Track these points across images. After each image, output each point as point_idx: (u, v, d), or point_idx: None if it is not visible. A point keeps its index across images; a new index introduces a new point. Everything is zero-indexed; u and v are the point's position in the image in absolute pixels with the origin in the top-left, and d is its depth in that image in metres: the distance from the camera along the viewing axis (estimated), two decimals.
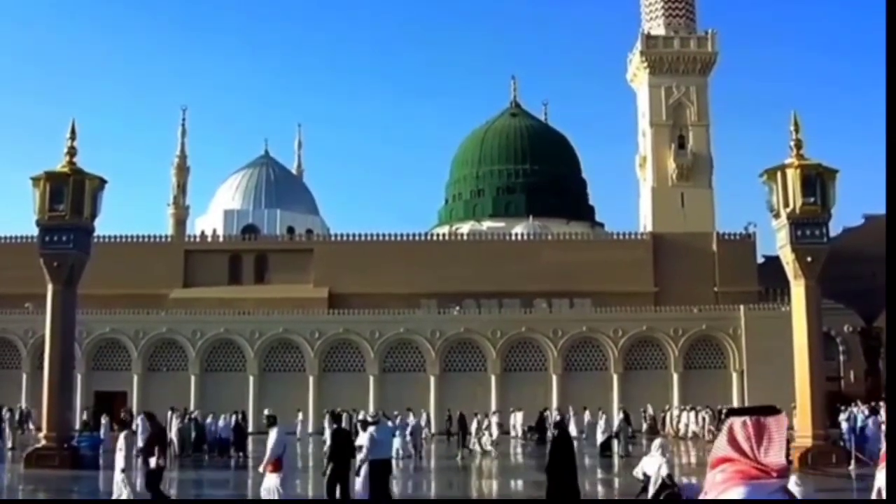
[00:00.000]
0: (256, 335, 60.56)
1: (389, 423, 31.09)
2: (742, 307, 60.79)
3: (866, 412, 39.68)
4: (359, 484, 18.54)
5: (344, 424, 33.55)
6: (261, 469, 17.12)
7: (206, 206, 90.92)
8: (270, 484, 16.83)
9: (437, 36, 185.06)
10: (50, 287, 30.80)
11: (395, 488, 26.91)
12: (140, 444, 38.46)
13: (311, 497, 24.30)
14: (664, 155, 76.40)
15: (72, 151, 31.60)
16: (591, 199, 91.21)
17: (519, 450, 43.86)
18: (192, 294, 67.35)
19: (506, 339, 60.67)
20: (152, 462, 18.17)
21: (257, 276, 71.47)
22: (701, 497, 3.49)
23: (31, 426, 47.69)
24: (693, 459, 37.63)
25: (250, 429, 45.48)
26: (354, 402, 49.07)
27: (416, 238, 73.77)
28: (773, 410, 3.46)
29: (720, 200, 76.58)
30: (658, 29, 79.29)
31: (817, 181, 31.22)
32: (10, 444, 38.18)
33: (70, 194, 30.74)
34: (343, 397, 53.95)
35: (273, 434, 17.28)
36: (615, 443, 38.01)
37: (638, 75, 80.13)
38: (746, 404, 54.67)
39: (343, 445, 18.16)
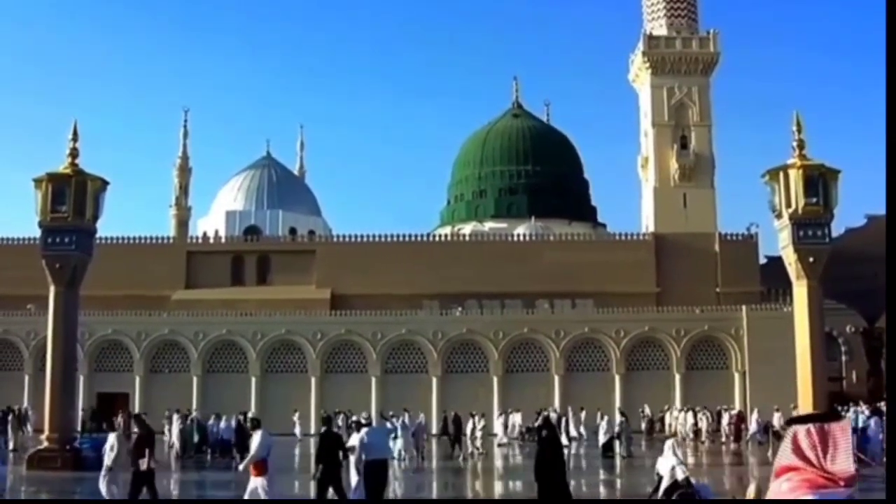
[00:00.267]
0: (258, 336, 60.57)
1: (388, 425, 31.14)
2: (744, 308, 60.75)
3: (867, 412, 39.61)
4: (354, 484, 18.61)
5: (340, 425, 33.65)
6: (241, 468, 17.18)
7: (208, 207, 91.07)
8: (255, 485, 16.91)
9: (438, 36, 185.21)
10: (52, 288, 30.80)
11: (399, 489, 26.97)
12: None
13: (303, 497, 24.36)
14: (666, 155, 76.40)
15: (74, 152, 31.58)
16: (593, 200, 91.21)
17: (517, 451, 43.76)
18: (195, 295, 67.39)
19: (508, 340, 60.67)
20: (143, 464, 18.17)
21: (259, 277, 71.51)
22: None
23: (29, 427, 47.63)
24: (691, 459, 37.62)
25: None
26: (356, 404, 49.05)
27: (419, 239, 73.79)
28: (836, 416, 3.36)
29: (722, 201, 76.58)
30: (660, 29, 79.29)
31: (819, 181, 31.15)
32: (11, 446, 38.18)
33: (72, 195, 30.72)
34: (345, 398, 53.97)
35: (257, 436, 17.32)
36: (617, 443, 37.93)
37: (640, 75, 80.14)
38: (748, 405, 54.92)
39: (332, 447, 18.19)
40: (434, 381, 59.98)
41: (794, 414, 33.91)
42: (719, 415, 51.73)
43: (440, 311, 63.37)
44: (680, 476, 17.03)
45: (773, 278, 52.77)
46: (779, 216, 31.80)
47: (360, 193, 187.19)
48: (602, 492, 28.18)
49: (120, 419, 41.65)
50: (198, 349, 60.42)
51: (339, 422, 36.25)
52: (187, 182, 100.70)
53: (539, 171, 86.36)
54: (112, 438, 19.63)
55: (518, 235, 75.06)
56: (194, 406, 52.08)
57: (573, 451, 42.25)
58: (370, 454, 18.08)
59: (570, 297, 65.86)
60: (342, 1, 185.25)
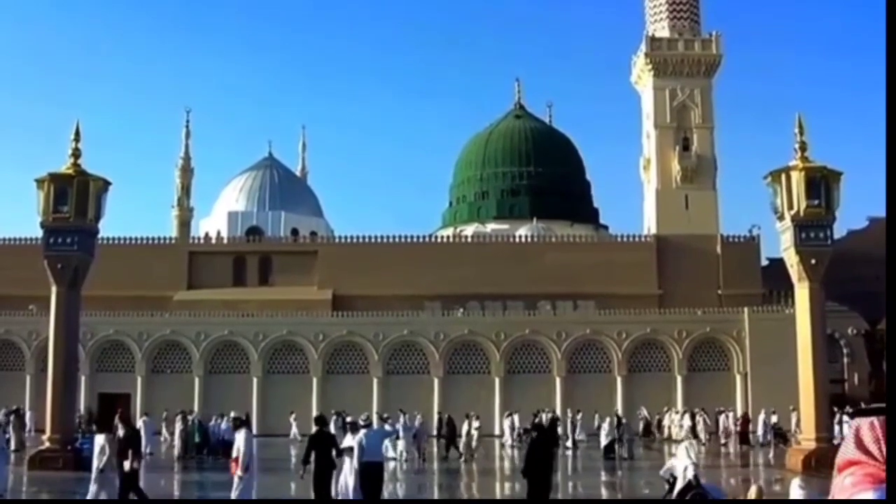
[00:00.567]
0: (260, 337, 60.57)
1: (388, 427, 31.10)
2: (746, 309, 60.69)
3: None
4: (353, 485, 18.64)
5: (336, 425, 33.55)
6: (240, 473, 17.20)
7: (210, 207, 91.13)
8: (237, 481, 16.99)
9: (440, 37, 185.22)
10: (54, 289, 30.82)
11: (399, 490, 26.97)
12: (144, 445, 38.75)
13: (295, 497, 24.39)
14: (668, 157, 76.42)
15: (76, 153, 31.61)
16: (595, 202, 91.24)
17: (513, 453, 43.72)
18: (196, 296, 67.39)
19: (509, 342, 60.63)
20: (126, 465, 18.21)
21: (261, 278, 71.50)
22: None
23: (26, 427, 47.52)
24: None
25: (254, 431, 45.50)
26: (358, 405, 48.93)
27: (420, 240, 73.80)
28: None
29: (724, 203, 76.61)
30: (662, 31, 79.31)
31: (822, 183, 31.20)
32: (13, 447, 38.16)
33: (74, 196, 30.76)
34: (347, 399, 53.87)
35: (241, 436, 17.33)
36: (617, 446, 37.92)
37: (642, 77, 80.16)
38: (750, 407, 54.90)
39: (325, 447, 18.25)
40: (436, 382, 59.95)
41: (792, 416, 33.94)
42: (717, 416, 51.66)
43: (442, 312, 63.36)
44: (690, 474, 17.10)
45: (775, 280, 52.69)
46: (781, 218, 31.84)
47: (362, 194, 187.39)
48: (604, 493, 28.19)
49: (116, 420, 41.62)
50: (199, 350, 60.42)
51: (331, 423, 36.21)
52: (189, 183, 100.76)
53: (541, 173, 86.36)
54: (102, 440, 19.55)
55: (520, 237, 75.04)
56: (196, 407, 52.09)
57: (571, 454, 42.27)
58: (365, 456, 18.14)
59: (572, 299, 65.82)
60: (344, 2, 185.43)
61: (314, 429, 19.08)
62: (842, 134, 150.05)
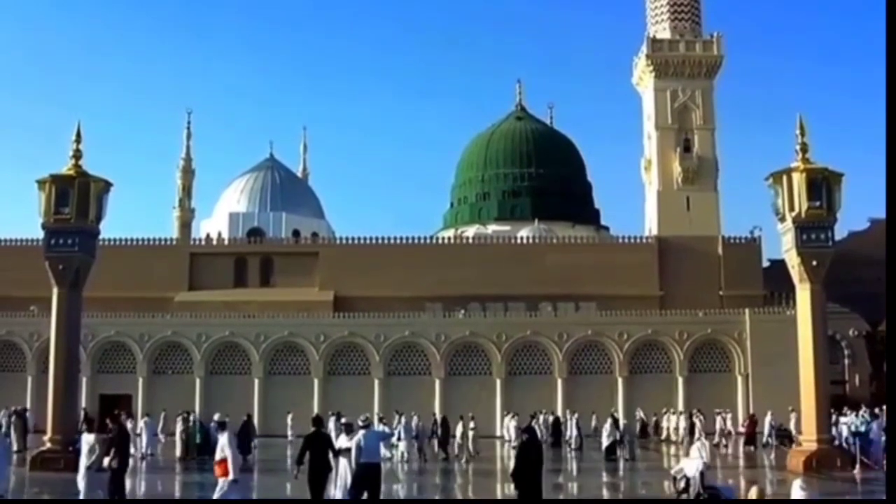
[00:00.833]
0: (261, 338, 60.58)
1: (386, 429, 31.15)
2: (747, 311, 60.68)
3: (868, 416, 39.57)
4: (346, 485, 18.69)
5: (331, 426, 33.56)
6: (232, 476, 17.23)
7: (211, 209, 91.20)
8: (221, 485, 16.99)
9: (442, 39, 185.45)
10: (55, 290, 30.82)
11: (402, 490, 26.96)
12: (145, 446, 38.77)
13: (288, 497, 24.39)
14: (670, 158, 76.52)
15: (77, 154, 31.63)
16: (596, 203, 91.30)
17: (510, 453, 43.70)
18: (198, 297, 67.41)
19: (511, 343, 60.62)
20: (105, 462, 18.30)
21: (262, 279, 71.52)
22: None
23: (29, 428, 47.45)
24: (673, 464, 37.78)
25: (256, 432, 45.66)
26: (359, 406, 48.89)
27: (422, 241, 73.83)
28: None
29: (725, 204, 76.78)
30: (664, 32, 79.39)
31: (823, 185, 31.18)
32: (15, 447, 38.15)
33: (75, 197, 30.77)
34: (348, 401, 53.86)
35: (223, 438, 17.34)
36: (619, 446, 37.89)
37: (643, 78, 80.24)
38: (751, 409, 54.82)
39: (322, 448, 18.29)
40: (437, 383, 59.92)
41: (791, 417, 33.83)
42: (716, 418, 51.58)
43: (443, 313, 63.38)
44: (703, 472, 17.22)
45: (776, 281, 52.71)
46: (782, 219, 31.83)
47: (363, 195, 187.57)
48: (605, 494, 28.17)
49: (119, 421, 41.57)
50: (201, 351, 60.43)
51: (331, 423, 36.18)
52: (190, 184, 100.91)
53: (542, 174, 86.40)
54: (92, 439, 19.54)
55: (521, 238, 75.03)
56: (197, 408, 52.10)
57: (574, 455, 42.29)
58: (363, 457, 18.21)
59: (574, 300, 65.83)
60: (344, 2, 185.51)
61: (312, 429, 19.10)
62: (843, 135, 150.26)
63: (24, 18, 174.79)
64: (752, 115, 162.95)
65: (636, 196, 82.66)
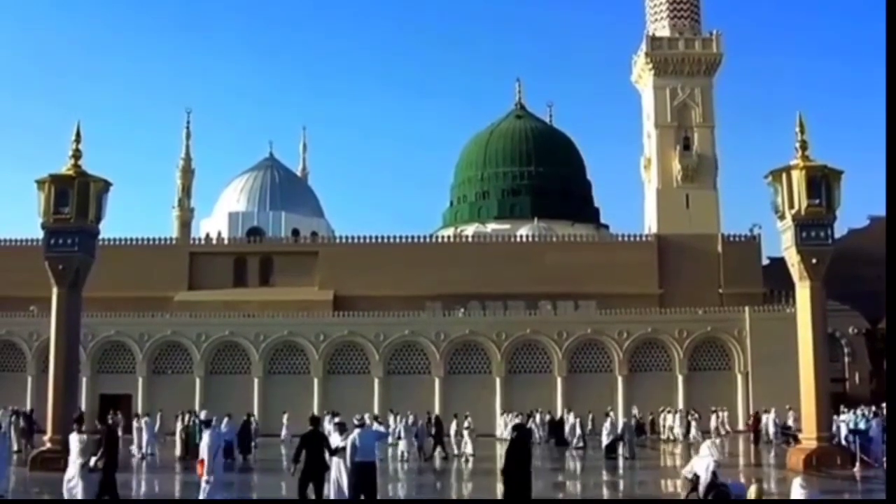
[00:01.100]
0: (261, 338, 60.60)
1: (382, 428, 31.07)
2: (747, 309, 60.72)
3: (869, 415, 39.56)
4: (344, 484, 18.71)
5: (327, 426, 33.52)
6: (205, 476, 17.23)
7: (210, 208, 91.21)
8: (204, 486, 16.97)
9: (441, 38, 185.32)
10: (55, 290, 30.81)
11: (401, 490, 26.97)
12: (146, 445, 38.78)
13: (284, 496, 24.38)
14: (669, 156, 76.52)
15: (76, 154, 31.60)
16: (596, 201, 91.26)
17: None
18: (197, 297, 67.39)
19: (510, 342, 60.64)
20: (92, 461, 18.29)
21: (262, 278, 71.50)
22: None
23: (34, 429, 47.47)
24: (674, 462, 37.84)
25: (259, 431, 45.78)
26: (359, 405, 48.99)
27: (421, 240, 73.80)
28: None
29: (725, 202, 76.74)
30: (663, 30, 79.36)
31: (822, 182, 31.14)
32: (15, 447, 38.15)
33: (75, 197, 30.75)
34: (348, 400, 53.92)
35: (205, 437, 17.34)
36: (620, 445, 37.91)
37: (643, 77, 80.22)
38: (751, 407, 54.86)
39: (318, 447, 18.28)
40: (437, 382, 59.96)
41: (788, 415, 33.74)
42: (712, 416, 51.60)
43: (443, 312, 63.38)
44: (714, 470, 17.23)
45: (776, 279, 52.72)
46: (781, 217, 31.80)
47: (362, 195, 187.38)
48: (605, 493, 28.18)
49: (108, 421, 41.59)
50: (200, 350, 60.45)
51: (326, 422, 36.16)
52: (190, 183, 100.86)
53: (542, 173, 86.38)
54: (81, 439, 19.44)
55: (521, 236, 75.04)
56: (197, 407, 52.07)
57: (577, 454, 42.31)
58: (358, 456, 18.22)
59: (573, 299, 65.82)
60: (344, 2, 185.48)
61: (309, 428, 19.13)
62: (843, 133, 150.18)
63: (24, 18, 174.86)
64: (752, 112, 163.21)
65: (636, 194, 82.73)
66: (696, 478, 17.79)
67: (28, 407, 50.42)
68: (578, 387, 59.12)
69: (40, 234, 31.78)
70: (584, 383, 59.40)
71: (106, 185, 31.84)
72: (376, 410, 54.82)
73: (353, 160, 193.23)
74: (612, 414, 42.42)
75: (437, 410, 55.46)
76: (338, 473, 19.20)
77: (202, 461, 17.00)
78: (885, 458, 28.56)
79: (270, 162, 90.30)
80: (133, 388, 59.56)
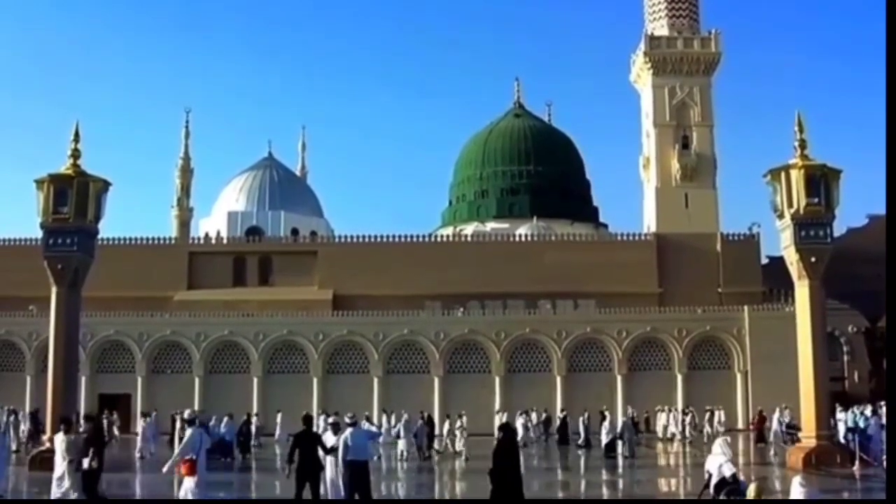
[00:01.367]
0: (260, 337, 60.61)
1: (373, 428, 31.11)
2: (746, 308, 60.74)
3: (868, 413, 39.57)
4: (339, 483, 18.72)
5: (321, 425, 33.61)
6: (164, 470, 17.26)
7: (209, 208, 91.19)
8: (186, 487, 16.85)
9: (440, 37, 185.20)
10: (54, 289, 30.82)
11: (401, 490, 26.97)
12: (150, 445, 38.73)
13: (279, 497, 24.38)
14: (668, 155, 76.52)
15: (75, 154, 31.60)
16: (595, 200, 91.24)
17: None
18: (196, 296, 67.36)
19: (510, 341, 60.66)
20: (85, 463, 18.21)
21: (261, 278, 71.44)
22: None
23: (23, 428, 47.35)
24: (673, 461, 37.80)
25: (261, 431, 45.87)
26: (358, 404, 48.96)
27: (420, 239, 73.73)
28: None
29: (724, 201, 76.68)
30: (661, 29, 79.36)
31: (821, 181, 31.17)
32: (14, 447, 38.14)
33: (74, 197, 30.75)
34: (347, 399, 53.86)
35: (186, 435, 17.29)
36: (619, 444, 37.93)
37: (641, 76, 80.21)
38: (751, 405, 54.86)
39: (311, 446, 18.31)
40: (436, 381, 59.99)
41: (785, 414, 33.78)
42: (712, 415, 51.58)
43: (442, 311, 63.36)
44: (727, 473, 17.23)
45: (775, 278, 52.75)
46: (780, 216, 31.82)
47: (361, 194, 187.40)
48: (604, 492, 28.18)
49: (106, 420, 41.62)
50: (200, 350, 60.45)
51: (321, 421, 36.15)
52: (189, 183, 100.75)
53: (541, 172, 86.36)
54: (66, 439, 19.36)
55: (520, 236, 75.02)
56: (196, 407, 52.04)
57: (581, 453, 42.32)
58: (350, 455, 18.24)
59: (572, 298, 65.78)
60: (344, 2, 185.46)
61: (303, 428, 19.13)
62: (842, 132, 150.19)
63: (24, 18, 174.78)
64: (751, 111, 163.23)
65: (635, 193, 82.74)
66: (709, 476, 17.84)
67: (27, 407, 50.43)
68: (578, 386, 59.14)
69: (39, 234, 31.78)
70: (584, 382, 59.41)
71: (105, 184, 31.84)
72: (375, 410, 54.92)
73: (352, 160, 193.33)
74: (608, 413, 42.47)
75: (436, 410, 55.64)
76: (333, 473, 19.22)
77: (186, 461, 16.85)
78: (884, 457, 28.56)
79: (269, 161, 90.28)
80: (132, 388, 59.56)
